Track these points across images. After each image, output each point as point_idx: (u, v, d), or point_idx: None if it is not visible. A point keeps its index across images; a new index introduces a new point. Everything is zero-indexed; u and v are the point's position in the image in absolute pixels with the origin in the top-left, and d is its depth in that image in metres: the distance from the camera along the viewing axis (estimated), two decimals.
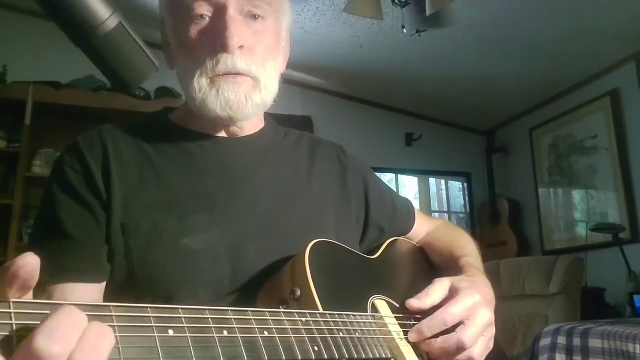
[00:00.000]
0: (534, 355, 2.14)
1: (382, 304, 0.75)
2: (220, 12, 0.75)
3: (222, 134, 0.84)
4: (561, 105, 4.08)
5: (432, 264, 0.99)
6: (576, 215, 3.94)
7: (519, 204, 4.45)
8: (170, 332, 0.43)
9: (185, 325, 0.44)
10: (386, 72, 3.91)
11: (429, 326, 0.70)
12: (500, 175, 4.58)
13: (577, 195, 3.95)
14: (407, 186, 4.65)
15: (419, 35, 2.93)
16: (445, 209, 4.77)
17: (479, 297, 0.74)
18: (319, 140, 0.97)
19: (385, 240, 0.94)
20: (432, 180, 4.73)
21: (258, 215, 0.78)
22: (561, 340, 2.06)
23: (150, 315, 0.43)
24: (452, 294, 0.74)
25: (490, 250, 4.26)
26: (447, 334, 0.71)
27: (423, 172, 4.63)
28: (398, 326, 0.72)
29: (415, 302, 0.72)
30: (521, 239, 4.28)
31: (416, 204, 4.64)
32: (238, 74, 0.75)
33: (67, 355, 0.35)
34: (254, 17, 0.77)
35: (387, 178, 4.49)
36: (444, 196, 4.80)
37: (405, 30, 2.84)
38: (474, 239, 1.01)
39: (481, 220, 4.60)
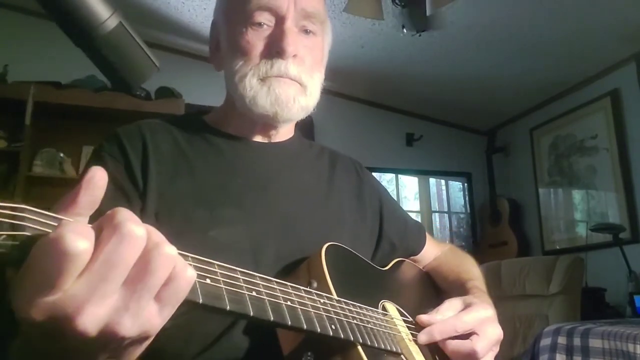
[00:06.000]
0: (534, 355, 2.14)
1: (391, 307, 0.77)
2: (279, 22, 0.81)
3: (255, 138, 0.88)
4: (561, 105, 4.08)
5: (437, 286, 1.01)
6: (576, 215, 3.94)
7: (519, 204, 4.45)
8: (208, 281, 0.47)
9: (220, 278, 0.48)
10: (386, 72, 3.91)
11: (440, 330, 0.73)
12: (501, 175, 4.58)
13: (577, 195, 3.95)
14: (407, 186, 4.65)
15: (419, 35, 2.93)
16: (445, 209, 4.77)
17: (491, 312, 0.78)
18: (338, 155, 1.02)
19: (395, 257, 0.97)
20: (432, 180, 4.73)
21: (281, 217, 0.81)
22: (561, 340, 2.06)
23: (190, 263, 0.46)
24: (466, 307, 0.78)
25: (490, 250, 4.26)
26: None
27: (423, 172, 4.63)
28: (406, 328, 0.73)
29: (425, 317, 0.75)
30: (521, 239, 4.27)
31: (416, 204, 4.66)
32: (289, 78, 0.80)
33: (146, 236, 0.39)
34: (306, 32, 0.84)
35: (387, 178, 4.49)
36: (444, 196, 4.80)
37: (405, 31, 2.84)
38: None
39: (481, 220, 4.60)
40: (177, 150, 0.82)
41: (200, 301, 0.45)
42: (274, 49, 0.79)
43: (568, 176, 4.00)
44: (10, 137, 3.15)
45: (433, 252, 1.07)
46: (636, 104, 3.49)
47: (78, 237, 0.35)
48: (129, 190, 0.74)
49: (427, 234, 1.08)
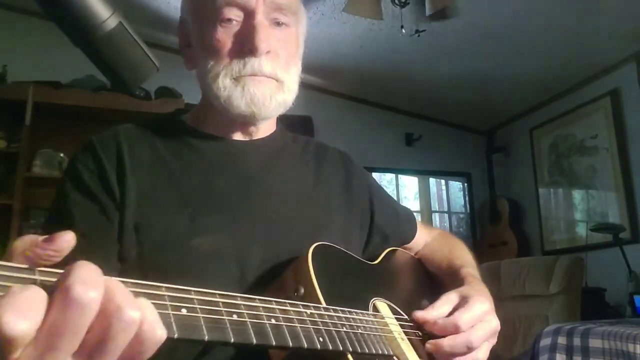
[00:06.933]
0: (534, 355, 2.14)
1: (382, 305, 0.76)
2: (248, 17, 0.77)
3: (236, 136, 0.85)
4: (561, 105, 4.08)
5: (430, 274, 1.00)
6: (576, 215, 3.94)
7: (519, 204, 4.45)
8: (184, 311, 0.44)
9: (197, 306, 0.46)
10: (386, 72, 3.91)
11: (446, 337, 0.71)
12: (500, 175, 4.58)
13: (577, 195, 3.95)
14: (407, 186, 4.65)
15: (418, 36, 2.93)
16: (445, 209, 4.77)
17: (488, 305, 0.76)
18: (325, 147, 0.99)
19: (388, 247, 0.96)
20: (432, 180, 4.73)
21: (266, 218, 0.78)
22: (561, 340, 2.06)
23: (164, 293, 0.44)
24: (463, 301, 0.76)
25: (490, 250, 4.26)
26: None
27: (423, 172, 4.63)
28: (399, 326, 0.73)
29: (421, 314, 0.73)
30: (521, 239, 4.27)
31: (416, 204, 4.66)
32: (264, 76, 0.77)
33: (100, 299, 0.35)
34: (278, 24, 0.80)
35: (387, 178, 4.49)
36: (444, 196, 4.80)
37: (404, 31, 2.84)
38: (472, 241, 1.03)
39: (481, 220, 4.60)
40: (155, 156, 0.78)
41: (176, 336, 0.42)
42: (246, 46, 0.75)
43: (568, 176, 4.00)
44: (9, 137, 3.15)
45: (424, 238, 1.05)
46: (636, 104, 3.49)
47: (17, 318, 0.32)
48: (105, 202, 0.72)
49: (417, 220, 1.07)
